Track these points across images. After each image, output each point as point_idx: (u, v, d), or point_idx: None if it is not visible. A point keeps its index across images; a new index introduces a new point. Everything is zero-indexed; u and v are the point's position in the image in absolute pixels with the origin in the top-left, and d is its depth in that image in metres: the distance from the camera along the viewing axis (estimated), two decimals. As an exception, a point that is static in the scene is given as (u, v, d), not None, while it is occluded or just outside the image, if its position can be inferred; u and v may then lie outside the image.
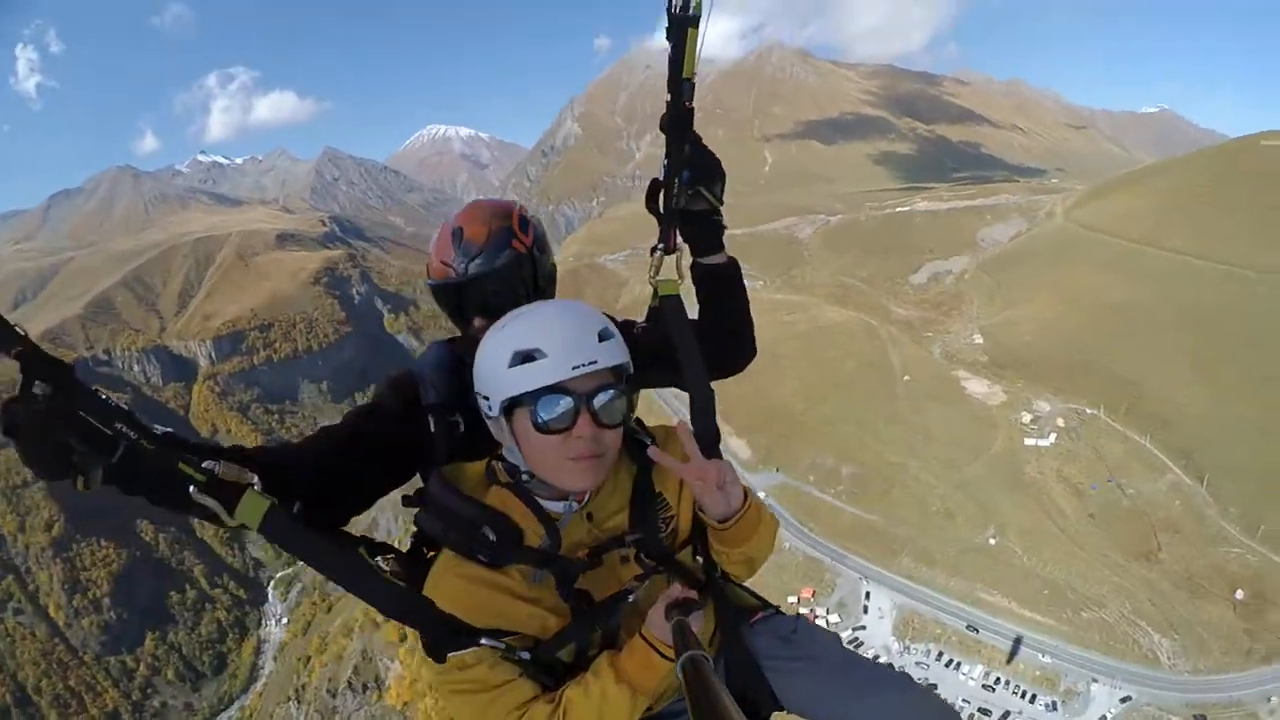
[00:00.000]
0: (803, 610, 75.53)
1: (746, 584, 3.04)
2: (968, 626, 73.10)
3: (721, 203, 3.04)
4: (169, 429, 1.96)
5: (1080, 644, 69.33)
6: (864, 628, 76.18)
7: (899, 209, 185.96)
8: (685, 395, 2.92)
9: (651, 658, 2.24)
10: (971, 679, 70.07)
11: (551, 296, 3.19)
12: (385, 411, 2.90)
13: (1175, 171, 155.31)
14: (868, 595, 78.14)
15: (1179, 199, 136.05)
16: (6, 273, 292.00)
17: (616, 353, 2.32)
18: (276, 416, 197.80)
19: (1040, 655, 69.67)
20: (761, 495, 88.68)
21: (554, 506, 2.44)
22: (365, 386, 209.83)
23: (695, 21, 2.64)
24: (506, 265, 3.02)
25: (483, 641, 2.22)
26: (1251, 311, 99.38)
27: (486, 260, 2.99)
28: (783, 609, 3.16)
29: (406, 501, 2.53)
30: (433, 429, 2.79)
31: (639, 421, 2.76)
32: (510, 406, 2.28)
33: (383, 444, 2.79)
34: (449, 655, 2.23)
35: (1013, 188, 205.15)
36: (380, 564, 2.63)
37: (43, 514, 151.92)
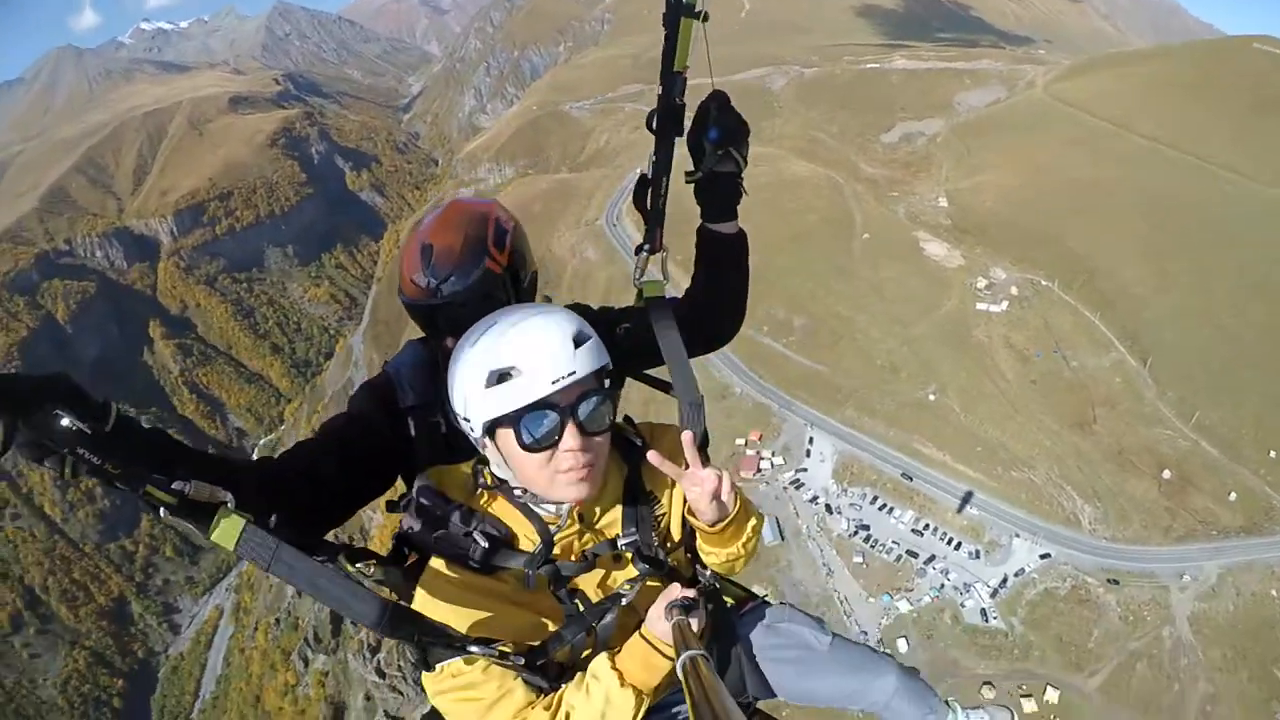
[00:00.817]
0: (748, 452, 78.27)
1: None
2: (903, 475, 74.57)
3: (745, 164, 2.92)
4: (157, 426, 1.99)
5: (1007, 501, 71.15)
6: (805, 470, 77.33)
7: (877, 65, 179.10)
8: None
9: (652, 657, 2.24)
10: (902, 523, 72.07)
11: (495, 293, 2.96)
12: (366, 419, 2.81)
13: (1162, 59, 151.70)
14: (811, 441, 79.05)
15: (1161, 87, 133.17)
16: None
17: (595, 356, 2.25)
18: (244, 285, 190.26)
19: (968, 507, 71.52)
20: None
21: (546, 510, 2.37)
22: (331, 247, 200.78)
23: (692, 12, 2.55)
24: (480, 285, 2.82)
25: (474, 649, 2.16)
26: (1214, 208, 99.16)
27: (458, 281, 2.79)
28: (770, 600, 3.28)
29: (391, 507, 2.48)
30: (413, 432, 2.78)
31: (628, 419, 2.70)
32: (492, 426, 2.21)
33: (365, 451, 2.71)
34: (441, 664, 2.20)
35: (997, 54, 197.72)
36: (362, 570, 2.53)
37: None
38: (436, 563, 2.34)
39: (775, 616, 3.18)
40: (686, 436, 2.42)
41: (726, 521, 2.44)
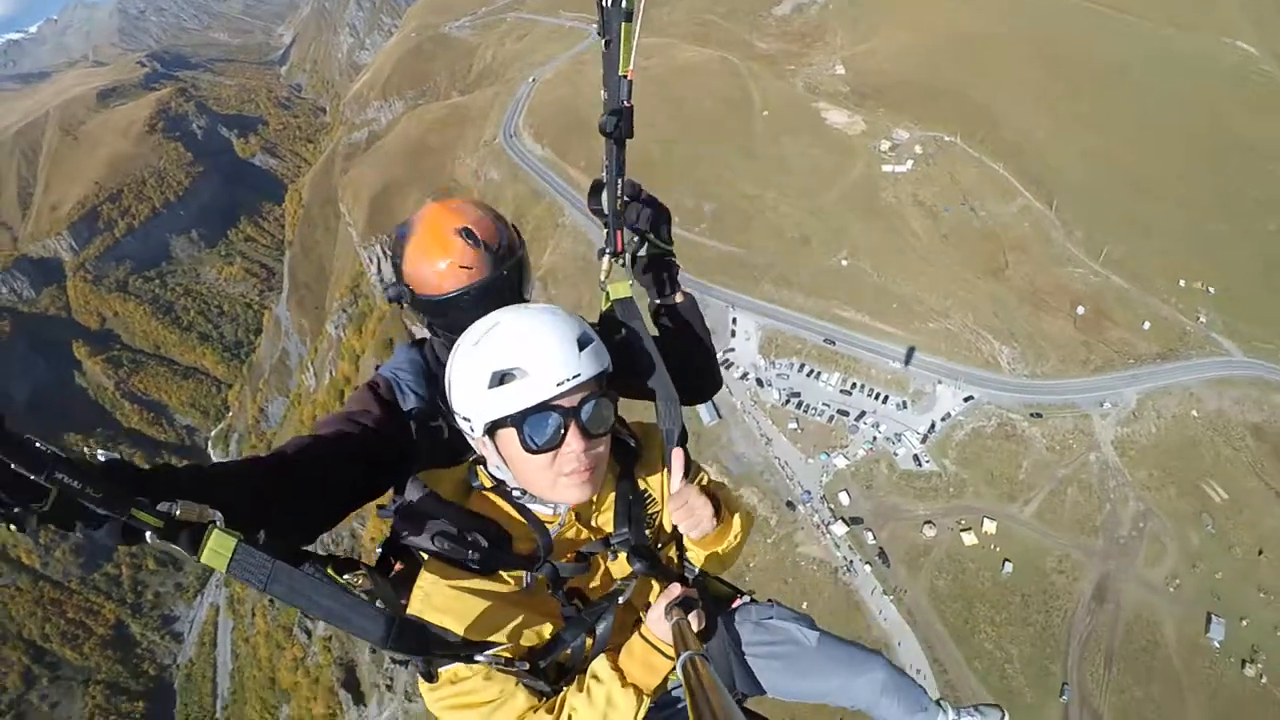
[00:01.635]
0: None
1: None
2: (825, 340, 73.72)
3: (671, 243, 3.08)
4: (115, 456, 1.81)
5: (927, 351, 70.86)
6: (733, 350, 76.03)
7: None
8: None
9: (652, 658, 2.19)
10: (830, 385, 71.67)
11: (526, 284, 2.97)
12: (365, 415, 2.69)
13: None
14: (734, 321, 77.64)
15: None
16: None
17: (599, 359, 2.19)
18: (157, 282, 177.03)
19: (890, 361, 71.13)
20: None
21: (544, 510, 2.32)
22: (235, 221, 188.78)
23: (630, 16, 2.54)
24: (524, 260, 2.88)
25: (477, 657, 2.13)
26: (1105, 49, 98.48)
27: (510, 256, 2.79)
28: (757, 597, 3.21)
29: (382, 511, 2.40)
30: (415, 436, 2.70)
31: (620, 419, 2.58)
32: (494, 427, 2.14)
33: (364, 447, 2.60)
34: (441, 670, 2.14)
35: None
36: (350, 582, 2.40)
37: None
38: (432, 566, 2.21)
39: (763, 614, 3.09)
40: (677, 457, 2.45)
41: (710, 533, 2.42)
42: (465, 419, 2.15)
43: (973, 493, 62.99)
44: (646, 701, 2.19)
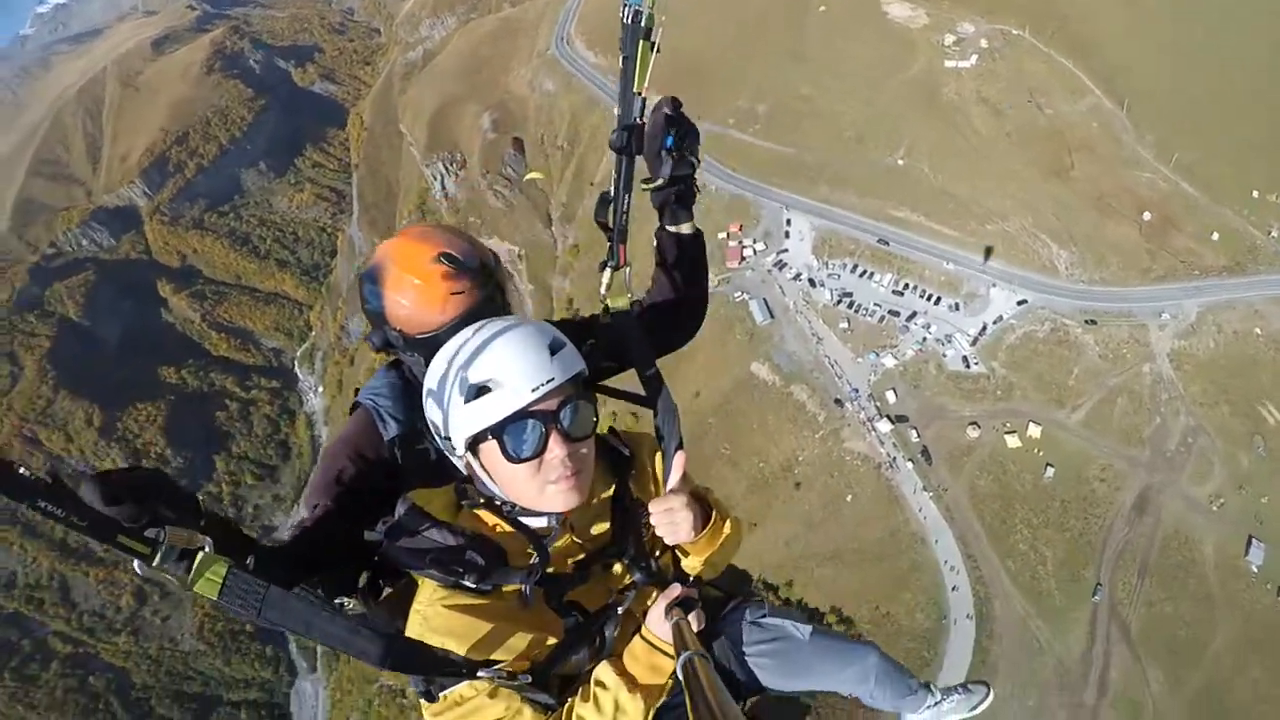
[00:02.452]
0: (730, 244, 74.79)
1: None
2: (879, 241, 71.03)
3: (699, 163, 2.87)
4: (93, 472, 1.68)
5: (983, 253, 66.98)
6: (786, 250, 74.36)
7: None
8: None
9: (655, 658, 2.15)
10: (882, 286, 69.72)
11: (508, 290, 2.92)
12: (350, 472, 2.64)
13: None
14: (788, 222, 75.46)
15: None
16: None
17: (572, 362, 2.12)
18: (231, 216, 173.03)
19: (944, 263, 68.23)
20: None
21: (537, 522, 2.22)
22: (301, 149, 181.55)
23: (649, 34, 2.55)
24: (504, 278, 2.77)
25: (479, 674, 2.09)
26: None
27: (494, 269, 2.71)
28: (752, 598, 3.12)
29: (371, 534, 2.28)
30: (400, 461, 2.66)
31: (612, 429, 2.55)
32: (475, 442, 2.07)
33: (359, 515, 2.43)
34: (444, 693, 2.12)
35: None
36: (344, 603, 2.52)
37: (78, 416, 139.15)
38: (428, 586, 2.13)
39: (756, 613, 2.99)
40: (677, 463, 2.35)
41: (695, 540, 2.35)
42: (446, 437, 2.09)
43: (1020, 396, 60.92)
44: (654, 703, 2.13)
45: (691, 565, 2.50)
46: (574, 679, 2.25)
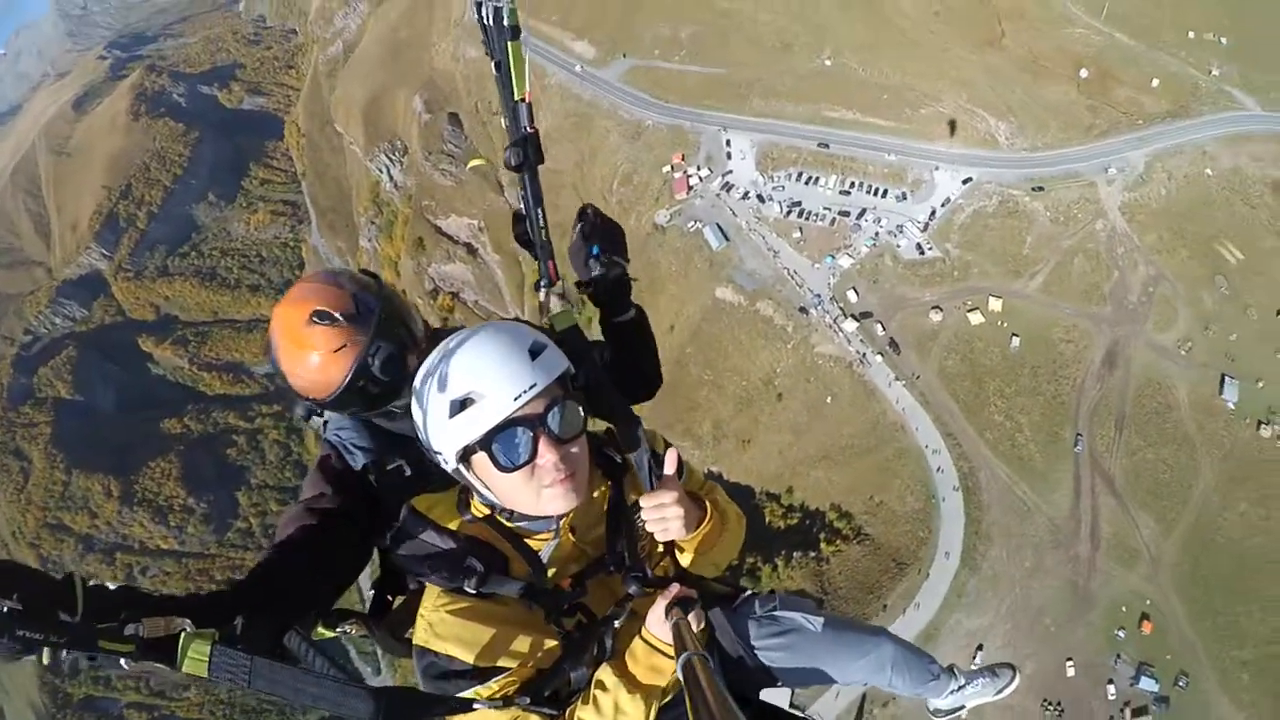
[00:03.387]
0: (676, 175, 72.92)
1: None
2: (819, 144, 68.38)
3: (628, 260, 2.87)
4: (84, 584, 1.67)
5: (923, 139, 64.76)
6: (731, 172, 71.86)
7: None
8: None
9: (655, 659, 2.07)
10: (829, 189, 67.32)
11: (409, 313, 2.72)
12: (323, 502, 2.58)
13: None
14: (728, 143, 72.61)
15: None
16: None
17: (555, 364, 2.03)
18: (194, 254, 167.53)
19: (886, 155, 65.77)
20: (618, 83, 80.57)
21: (536, 528, 2.20)
22: (246, 169, 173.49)
23: (516, 33, 2.30)
24: (394, 299, 2.65)
25: (479, 688, 2.03)
26: None
27: (376, 304, 2.54)
28: (761, 591, 3.01)
29: (382, 549, 2.39)
30: (376, 486, 2.60)
31: (609, 433, 2.50)
32: (465, 455, 2.01)
33: (331, 539, 2.47)
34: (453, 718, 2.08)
35: None
36: (347, 630, 2.52)
37: (95, 491, 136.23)
38: (433, 594, 2.11)
39: (767, 606, 2.89)
40: (670, 455, 2.31)
41: (691, 538, 2.31)
42: (438, 453, 2.01)
43: (978, 273, 58.96)
44: (655, 704, 2.07)
45: (691, 564, 2.37)
46: (576, 689, 2.14)
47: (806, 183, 68.23)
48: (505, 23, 2.22)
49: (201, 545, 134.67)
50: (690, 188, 72.23)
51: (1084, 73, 61.87)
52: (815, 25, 70.70)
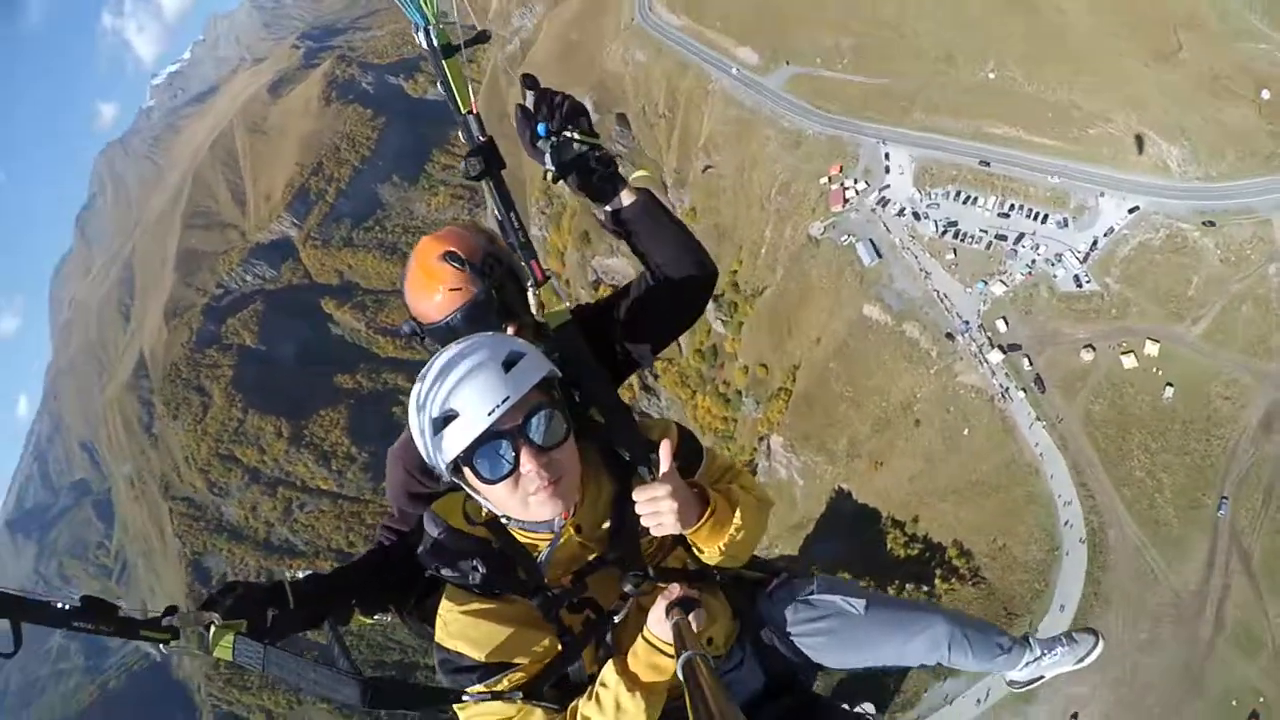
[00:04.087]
0: (833, 188, 73.24)
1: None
2: (980, 162, 66.70)
3: (597, 136, 2.64)
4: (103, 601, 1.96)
5: (1088, 161, 61.58)
6: (888, 186, 71.65)
7: None
8: None
9: (656, 658, 2.10)
10: (987, 210, 65.93)
11: (520, 291, 2.77)
12: (394, 522, 2.89)
13: None
14: (887, 156, 72.07)
15: None
16: (100, 303, 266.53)
17: (530, 374, 2.06)
18: (376, 229, 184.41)
19: (1049, 177, 63.10)
20: (780, 91, 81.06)
21: (537, 529, 2.26)
22: (429, 154, 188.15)
23: (450, 51, 2.41)
24: (510, 267, 2.72)
25: (476, 689, 2.16)
26: None
27: (496, 266, 2.66)
28: (800, 572, 2.98)
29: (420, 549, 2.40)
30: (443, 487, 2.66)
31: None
32: (454, 469, 2.09)
33: (397, 558, 2.70)
34: (465, 699, 2.19)
35: None
36: (381, 619, 2.72)
37: (267, 430, 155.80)
38: (449, 593, 2.26)
39: (803, 588, 2.87)
40: (664, 447, 2.24)
41: (694, 529, 2.26)
42: (433, 466, 2.12)
43: (1137, 313, 56.26)
44: (657, 702, 2.14)
45: (705, 557, 2.41)
46: (579, 685, 2.27)
47: (964, 202, 66.96)
48: (435, 43, 2.34)
49: (358, 490, 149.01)
50: (846, 201, 72.82)
51: (1266, 94, 55.31)
52: (981, 36, 67.95)
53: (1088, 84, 61.77)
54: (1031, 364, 59.47)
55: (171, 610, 1.99)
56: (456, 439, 1.98)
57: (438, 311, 2.63)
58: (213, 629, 1.99)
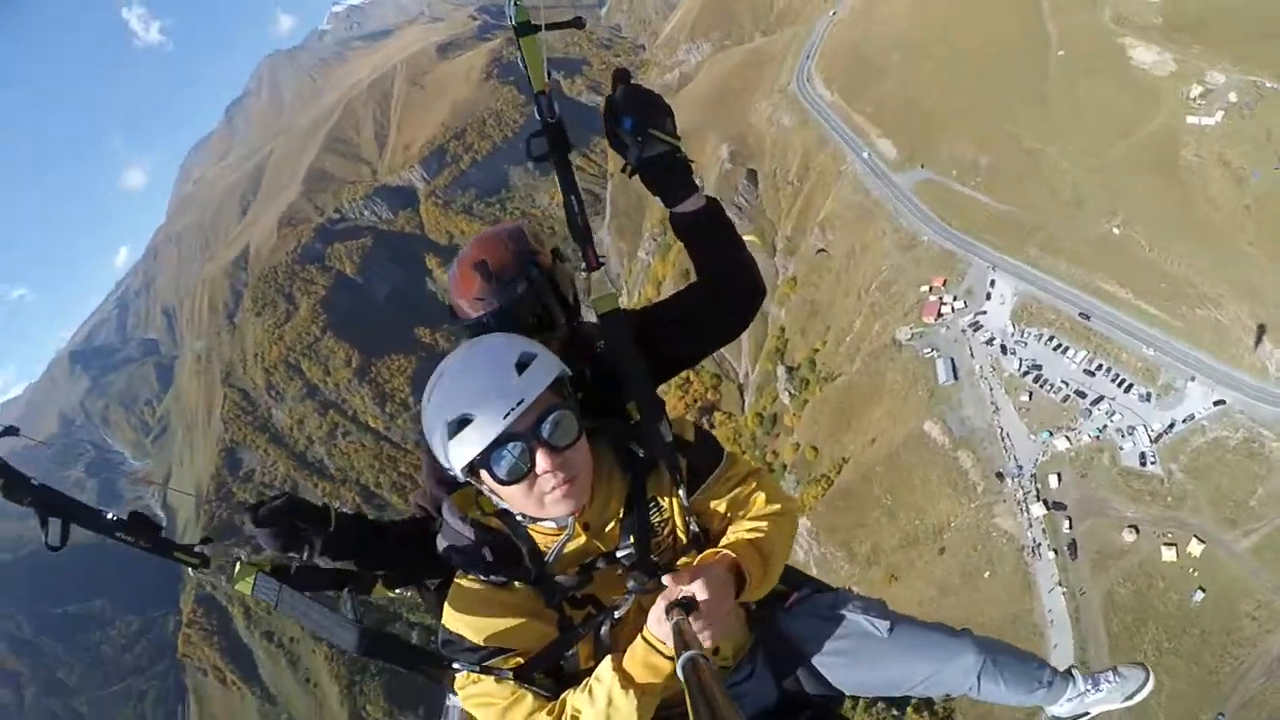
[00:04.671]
0: (930, 298, 73.87)
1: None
2: (1080, 314, 65.87)
3: (678, 139, 2.57)
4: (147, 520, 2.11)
5: (1189, 341, 60.03)
6: (985, 312, 71.51)
7: None
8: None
9: (653, 659, 2.03)
10: (1074, 363, 64.84)
11: (576, 303, 2.84)
12: (433, 489, 2.83)
13: None
14: (992, 283, 72.12)
15: None
16: (224, 189, 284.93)
17: (543, 374, 2.06)
18: (497, 206, 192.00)
19: (1145, 347, 61.72)
20: (908, 191, 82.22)
21: (548, 525, 2.27)
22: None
23: (526, 29, 2.41)
24: (539, 285, 2.70)
25: (460, 663, 2.21)
26: None
27: (522, 284, 2.68)
28: (824, 586, 2.95)
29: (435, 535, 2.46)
30: None
31: (634, 425, 2.47)
32: (469, 470, 2.10)
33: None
34: (461, 674, 2.23)
35: None
36: (402, 594, 2.81)
37: (339, 355, 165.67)
38: (459, 578, 2.32)
39: (824, 605, 2.80)
40: (698, 583, 2.01)
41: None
42: (448, 468, 2.13)
43: (1191, 507, 53.97)
44: (650, 702, 2.08)
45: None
46: (574, 674, 2.26)
47: (1055, 348, 66.16)
48: (513, 21, 2.36)
49: (402, 439, 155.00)
50: (940, 314, 73.07)
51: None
52: (1115, 188, 67.20)
53: (1208, 264, 60.38)
54: (1071, 527, 57.96)
55: (206, 540, 2.24)
56: (472, 442, 2.00)
57: (466, 313, 2.75)
58: (238, 565, 2.14)
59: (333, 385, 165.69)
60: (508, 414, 1.95)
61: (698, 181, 2.63)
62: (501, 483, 2.05)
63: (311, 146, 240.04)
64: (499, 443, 1.98)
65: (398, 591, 2.75)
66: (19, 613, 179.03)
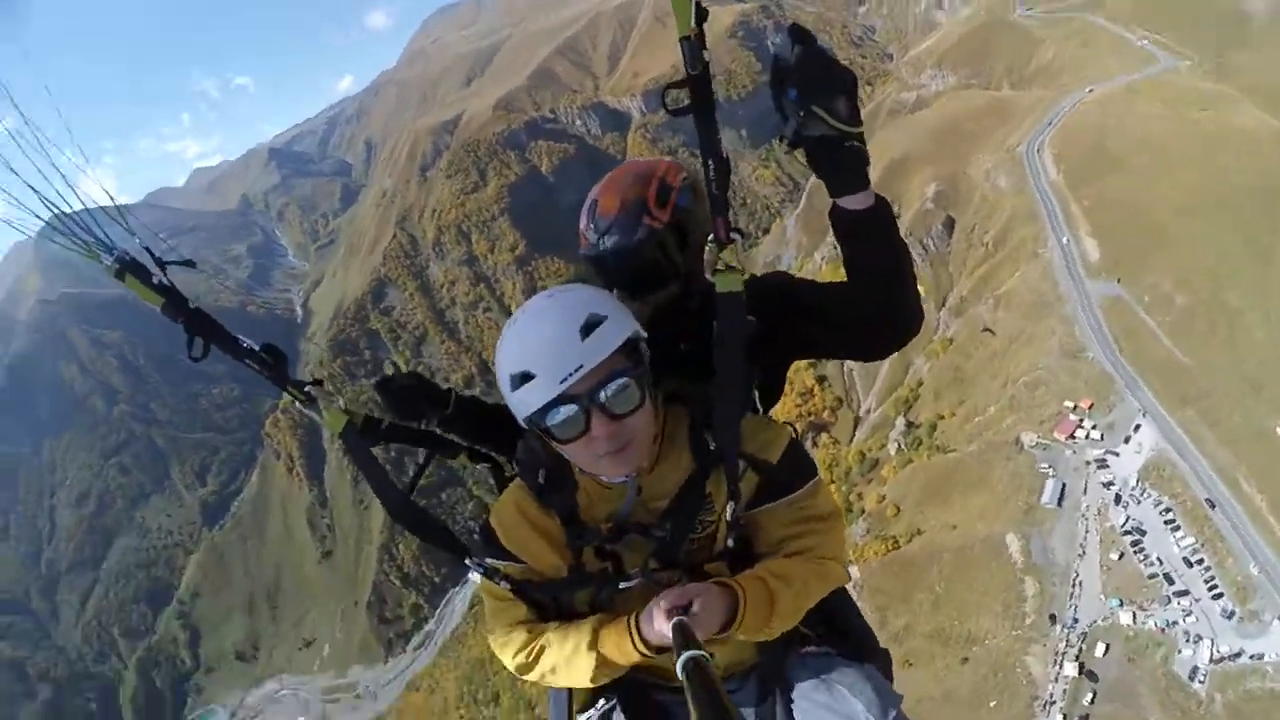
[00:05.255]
0: (1071, 416, 71.64)
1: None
2: (1207, 500, 62.45)
3: (848, 122, 2.10)
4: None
5: (1298, 574, 56.43)
6: (1116, 455, 68.63)
7: None
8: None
9: (625, 643, 2.11)
10: (1178, 546, 61.74)
11: (699, 267, 2.72)
12: None
13: None
14: (1136, 427, 68.79)
15: None
16: (456, 56, 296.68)
17: (609, 339, 2.01)
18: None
19: (1252, 564, 58.44)
20: (1094, 300, 78.47)
21: (614, 479, 2.27)
22: (780, 134, 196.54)
23: None
24: (639, 243, 2.63)
25: (476, 558, 2.43)
26: None
27: (617, 237, 2.66)
28: (865, 649, 2.85)
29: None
30: None
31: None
32: (530, 422, 2.11)
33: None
34: (478, 570, 2.42)
35: None
36: (477, 469, 3.06)
37: (508, 239, 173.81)
38: (515, 482, 2.45)
39: (836, 673, 2.56)
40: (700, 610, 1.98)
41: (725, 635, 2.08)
42: (514, 414, 2.13)
43: (1217, 739, 52.68)
44: (605, 674, 2.18)
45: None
46: (569, 612, 2.38)
47: (1166, 522, 63.28)
48: None
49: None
50: (1073, 436, 71.01)
51: None
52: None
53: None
54: (1093, 702, 57.68)
55: (318, 382, 2.60)
56: (530, 399, 2.00)
57: (580, 245, 2.77)
58: (332, 410, 2.51)
59: (492, 263, 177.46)
60: (565, 379, 1.95)
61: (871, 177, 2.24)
62: (556, 441, 2.10)
63: (548, 45, 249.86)
64: (554, 404, 2.00)
65: (478, 466, 2.94)
66: (141, 343, 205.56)
